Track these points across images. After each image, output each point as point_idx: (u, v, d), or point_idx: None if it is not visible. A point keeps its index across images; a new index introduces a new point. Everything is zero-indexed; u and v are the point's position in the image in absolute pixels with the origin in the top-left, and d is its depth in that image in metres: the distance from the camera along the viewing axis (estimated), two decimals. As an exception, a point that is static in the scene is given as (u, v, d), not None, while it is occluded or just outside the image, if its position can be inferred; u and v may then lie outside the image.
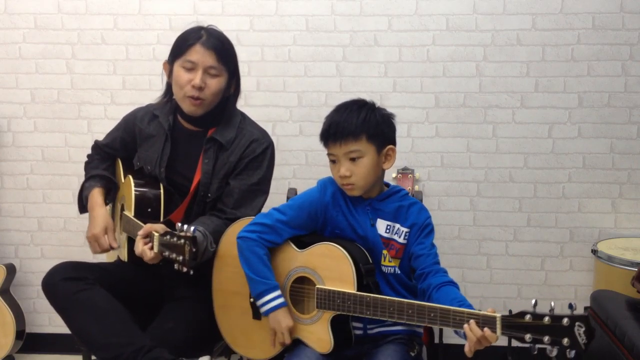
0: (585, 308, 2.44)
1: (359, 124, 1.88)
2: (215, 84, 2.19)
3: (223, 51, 2.19)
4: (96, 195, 2.34)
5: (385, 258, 1.95)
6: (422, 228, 1.97)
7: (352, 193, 1.94)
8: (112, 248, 2.26)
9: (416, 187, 2.81)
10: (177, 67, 2.18)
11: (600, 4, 2.88)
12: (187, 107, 2.21)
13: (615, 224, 2.99)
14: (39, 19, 3.07)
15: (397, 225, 1.97)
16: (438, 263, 1.94)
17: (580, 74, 2.92)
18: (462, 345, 1.79)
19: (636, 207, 2.98)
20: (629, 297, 2.32)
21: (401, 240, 1.96)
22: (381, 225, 1.96)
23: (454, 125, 3.00)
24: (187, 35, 2.19)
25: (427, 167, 3.03)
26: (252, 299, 2.03)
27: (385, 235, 1.96)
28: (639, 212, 2.98)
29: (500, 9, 2.92)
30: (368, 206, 1.97)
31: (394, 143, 1.96)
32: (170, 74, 2.24)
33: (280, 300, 1.93)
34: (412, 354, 1.95)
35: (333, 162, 1.94)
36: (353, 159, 1.89)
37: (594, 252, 2.80)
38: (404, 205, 1.99)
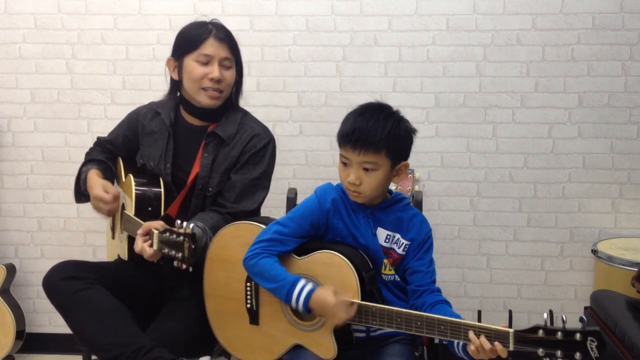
0: (585, 308, 2.44)
1: (384, 137, 1.81)
2: (230, 75, 2.23)
3: (233, 42, 2.25)
4: (91, 173, 2.35)
5: (385, 267, 1.93)
6: (423, 243, 1.94)
7: (356, 200, 1.91)
8: (116, 202, 2.26)
9: (416, 187, 2.80)
10: (190, 62, 2.20)
11: (600, 4, 2.88)
12: (204, 99, 2.22)
13: (615, 224, 2.99)
14: (39, 19, 3.07)
15: (398, 236, 1.93)
16: (435, 282, 1.91)
17: (580, 74, 2.93)
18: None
19: (636, 207, 2.98)
20: (629, 297, 2.32)
21: (400, 251, 1.93)
22: (381, 235, 1.93)
23: (454, 125, 3.00)
24: (196, 30, 2.21)
25: (427, 167, 3.03)
26: (247, 306, 2.02)
27: (385, 244, 1.93)
28: (639, 212, 2.98)
29: (500, 9, 2.92)
30: (370, 215, 1.94)
31: (407, 158, 1.92)
32: (177, 69, 2.25)
33: (309, 287, 1.82)
34: (417, 354, 1.95)
35: (344, 164, 1.89)
36: (366, 169, 1.84)
37: (594, 252, 2.80)
38: (406, 216, 1.95)
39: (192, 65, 2.20)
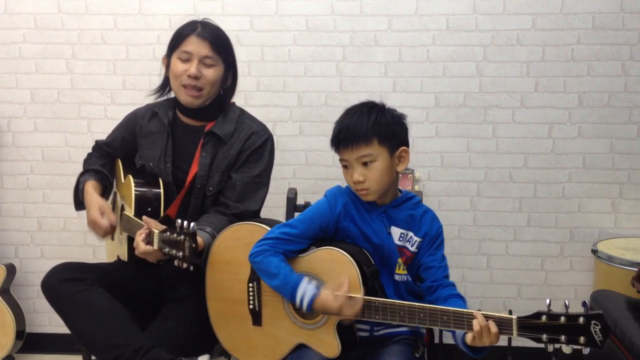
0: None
1: (370, 127, 1.84)
2: (211, 74, 2.21)
3: (218, 41, 2.22)
4: (89, 186, 2.35)
5: (399, 266, 1.92)
6: (434, 239, 1.94)
7: (367, 198, 1.90)
8: (112, 229, 2.26)
9: (416, 187, 2.80)
10: (174, 59, 2.22)
11: (600, 4, 2.88)
12: (183, 97, 2.23)
13: (615, 224, 2.99)
14: (39, 19, 3.07)
15: (410, 234, 1.93)
16: (448, 276, 1.92)
17: (580, 74, 2.92)
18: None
19: (636, 207, 2.98)
20: (629, 297, 2.32)
21: (413, 249, 1.93)
22: (395, 233, 1.93)
23: (454, 125, 3.00)
24: (183, 28, 2.23)
25: (427, 167, 3.03)
26: (250, 307, 2.02)
27: (399, 243, 1.93)
28: (639, 212, 2.98)
29: (500, 9, 2.92)
30: (383, 213, 1.93)
31: (406, 144, 1.92)
32: (168, 66, 2.27)
33: (310, 291, 1.82)
34: (417, 355, 1.94)
35: (345, 167, 1.90)
36: (365, 164, 1.85)
37: (594, 252, 2.80)
38: (418, 213, 1.95)
39: (174, 61, 2.22)
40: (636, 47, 2.89)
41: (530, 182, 3.01)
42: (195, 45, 2.18)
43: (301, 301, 1.83)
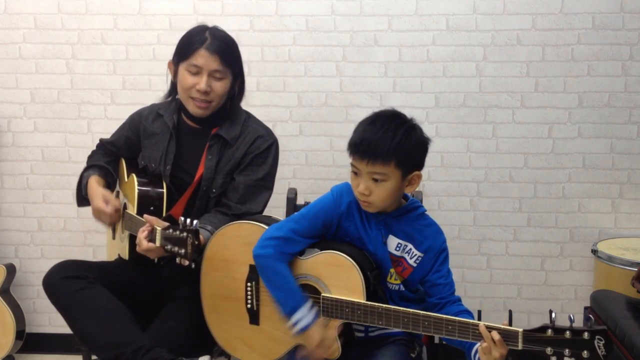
0: (585, 308, 2.44)
1: (392, 148, 1.77)
2: (220, 87, 2.20)
3: (227, 54, 2.20)
4: (92, 180, 2.34)
5: (392, 276, 1.91)
6: (438, 254, 1.91)
7: (367, 209, 1.88)
8: (117, 216, 2.27)
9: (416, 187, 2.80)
10: (182, 70, 2.19)
11: (600, 4, 2.88)
12: (192, 109, 2.23)
13: (615, 224, 2.99)
14: (39, 19, 3.07)
15: (410, 246, 1.91)
16: (454, 292, 1.91)
17: (580, 74, 2.92)
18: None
19: (636, 207, 2.98)
20: (629, 297, 2.32)
21: (412, 262, 1.91)
22: (392, 243, 1.91)
23: (454, 125, 3.00)
24: (192, 38, 2.20)
25: (427, 167, 3.00)
26: (248, 306, 2.02)
27: (396, 253, 1.91)
28: (639, 212, 2.98)
29: (500, 9, 2.92)
30: (382, 222, 1.91)
31: (421, 168, 1.88)
32: (175, 73, 2.26)
33: (309, 319, 1.84)
34: (413, 355, 1.94)
35: (355, 173, 1.85)
36: (376, 180, 1.81)
37: (594, 252, 2.80)
38: (420, 226, 1.92)
39: (183, 73, 2.19)
40: (636, 47, 2.89)
41: (530, 182, 3.01)
42: (204, 59, 2.16)
43: (295, 324, 1.84)
